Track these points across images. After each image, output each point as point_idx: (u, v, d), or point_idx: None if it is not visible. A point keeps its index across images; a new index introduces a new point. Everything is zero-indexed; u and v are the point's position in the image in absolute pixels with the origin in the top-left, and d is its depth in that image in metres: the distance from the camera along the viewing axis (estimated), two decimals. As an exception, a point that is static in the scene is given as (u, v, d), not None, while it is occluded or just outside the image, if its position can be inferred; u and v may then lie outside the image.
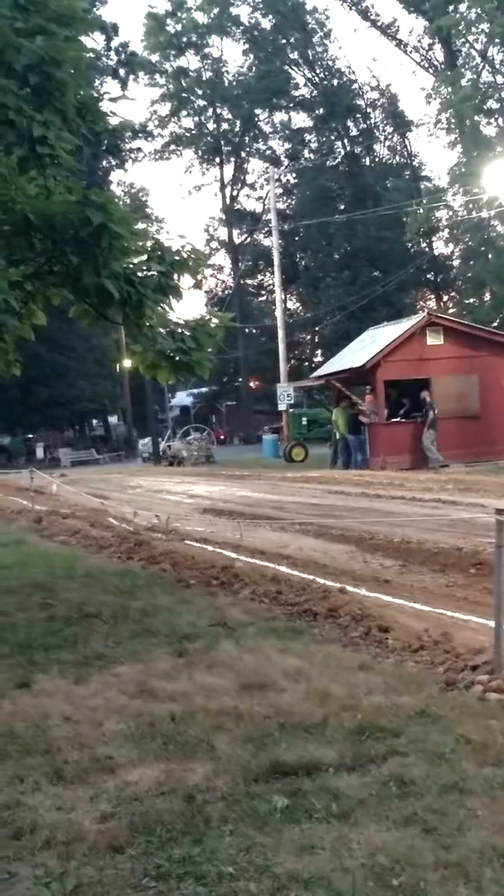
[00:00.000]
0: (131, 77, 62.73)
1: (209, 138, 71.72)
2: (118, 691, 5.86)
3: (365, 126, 68.42)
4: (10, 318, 7.96)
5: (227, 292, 70.88)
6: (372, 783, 4.23)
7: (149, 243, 9.26)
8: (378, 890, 3.28)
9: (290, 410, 39.11)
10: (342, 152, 67.56)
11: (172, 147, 72.41)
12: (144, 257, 9.17)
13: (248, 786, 4.26)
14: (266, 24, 68.42)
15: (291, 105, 71.27)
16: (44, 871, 3.54)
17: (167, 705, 5.48)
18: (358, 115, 68.05)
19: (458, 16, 46.94)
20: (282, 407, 39.43)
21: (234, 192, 74.75)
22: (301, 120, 72.82)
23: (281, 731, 4.90)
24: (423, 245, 62.35)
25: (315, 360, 65.92)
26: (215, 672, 6.19)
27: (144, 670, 6.33)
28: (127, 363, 37.79)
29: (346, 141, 67.68)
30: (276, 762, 4.46)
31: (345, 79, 68.20)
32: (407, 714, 5.06)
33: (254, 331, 69.39)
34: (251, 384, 71.61)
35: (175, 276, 9.26)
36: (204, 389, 74.57)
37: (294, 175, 69.49)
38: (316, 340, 70.14)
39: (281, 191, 66.21)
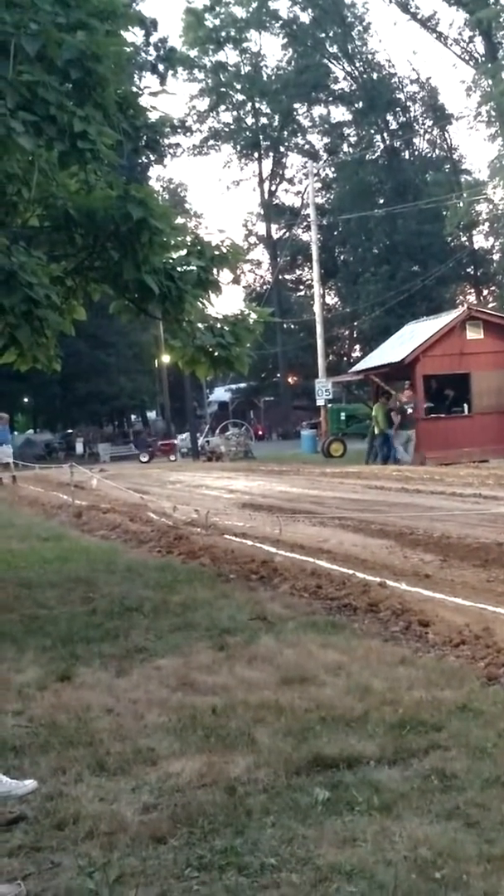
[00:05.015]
0: (170, 72, 63.07)
1: (248, 133, 71.73)
2: (159, 684, 5.89)
3: (405, 119, 67.91)
4: (51, 313, 8.02)
5: (265, 287, 70.85)
6: (413, 777, 4.21)
7: (188, 238, 9.30)
8: (421, 882, 3.27)
9: (329, 406, 38.97)
10: (382, 146, 67.24)
11: (211, 142, 72.56)
12: (184, 252, 9.20)
13: (290, 778, 4.27)
14: (305, 17, 68.21)
15: (330, 99, 71.12)
16: (87, 861, 3.56)
17: (208, 698, 5.50)
18: (398, 109, 67.53)
19: (498, 8, 46.58)
20: (320, 402, 39.28)
21: (273, 187, 74.81)
22: (340, 114, 72.79)
23: (322, 725, 4.90)
24: (464, 239, 62.01)
25: (354, 355, 65.83)
26: (256, 666, 6.20)
27: (185, 663, 6.35)
28: (166, 359, 37.93)
29: (385, 134, 67.25)
30: (317, 755, 4.46)
31: (384, 72, 67.77)
32: (448, 708, 5.04)
33: (292, 326, 69.29)
34: (289, 379, 71.48)
35: (214, 271, 9.28)
36: (242, 385, 74.53)
37: (333, 169, 69.26)
38: (355, 335, 69.97)
39: (320, 185, 65.94)
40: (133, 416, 78.68)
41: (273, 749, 4.60)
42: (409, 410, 27.35)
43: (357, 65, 68.71)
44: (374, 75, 67.49)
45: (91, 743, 4.84)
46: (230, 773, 4.35)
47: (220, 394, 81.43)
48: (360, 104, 67.03)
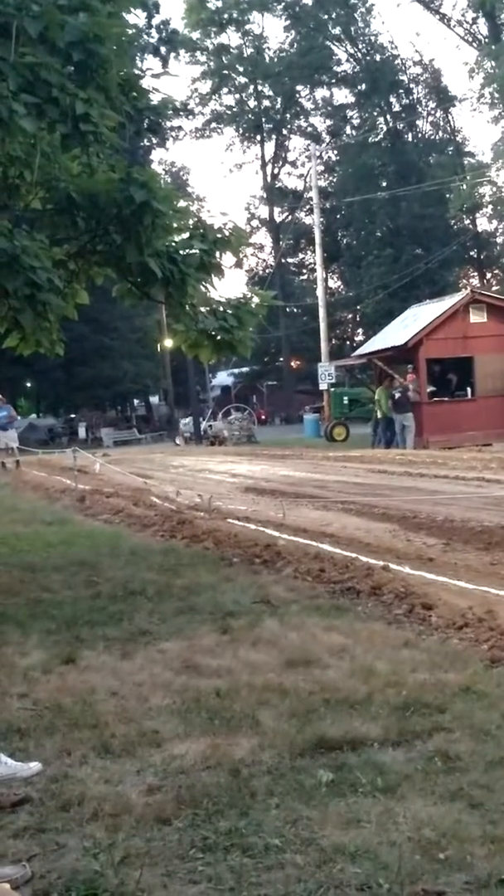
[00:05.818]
0: (172, 55, 62.79)
1: (250, 116, 71.34)
2: (163, 667, 5.90)
3: (408, 101, 67.46)
4: (53, 297, 8.00)
5: (268, 271, 70.67)
6: (417, 758, 4.23)
7: (191, 221, 9.27)
8: (424, 863, 3.28)
9: (332, 390, 38.89)
10: (385, 128, 66.76)
11: (213, 125, 72.16)
12: (186, 235, 9.17)
13: (294, 760, 4.28)
14: (307, -1, 67.81)
15: (333, 81, 70.61)
16: (92, 843, 3.57)
17: (212, 681, 5.51)
18: (401, 91, 67.04)
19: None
20: (323, 386, 39.21)
21: (276, 170, 74.46)
22: (343, 96, 72.23)
23: (325, 707, 4.91)
24: (467, 222, 61.74)
25: (357, 338, 65.60)
26: (259, 648, 6.21)
27: (189, 646, 6.36)
28: (168, 343, 37.87)
29: (388, 117, 66.80)
30: (321, 737, 4.47)
31: (387, 54, 67.20)
32: (452, 691, 5.05)
33: (295, 310, 69.10)
34: (292, 364, 71.29)
35: (217, 255, 9.25)
36: (245, 369, 74.42)
37: (336, 152, 68.90)
38: (358, 319, 69.67)
39: (323, 168, 65.73)
40: (136, 401, 78.60)
41: (277, 731, 4.61)
42: (398, 395, 27.34)
43: (360, 47, 68.20)
44: (377, 57, 66.98)
45: (96, 725, 4.85)
46: (234, 755, 4.36)
47: (223, 378, 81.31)
48: (363, 86, 66.58)
